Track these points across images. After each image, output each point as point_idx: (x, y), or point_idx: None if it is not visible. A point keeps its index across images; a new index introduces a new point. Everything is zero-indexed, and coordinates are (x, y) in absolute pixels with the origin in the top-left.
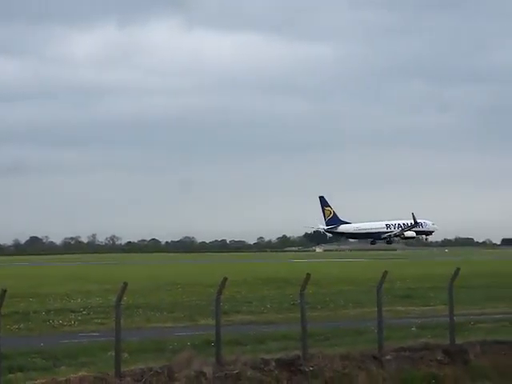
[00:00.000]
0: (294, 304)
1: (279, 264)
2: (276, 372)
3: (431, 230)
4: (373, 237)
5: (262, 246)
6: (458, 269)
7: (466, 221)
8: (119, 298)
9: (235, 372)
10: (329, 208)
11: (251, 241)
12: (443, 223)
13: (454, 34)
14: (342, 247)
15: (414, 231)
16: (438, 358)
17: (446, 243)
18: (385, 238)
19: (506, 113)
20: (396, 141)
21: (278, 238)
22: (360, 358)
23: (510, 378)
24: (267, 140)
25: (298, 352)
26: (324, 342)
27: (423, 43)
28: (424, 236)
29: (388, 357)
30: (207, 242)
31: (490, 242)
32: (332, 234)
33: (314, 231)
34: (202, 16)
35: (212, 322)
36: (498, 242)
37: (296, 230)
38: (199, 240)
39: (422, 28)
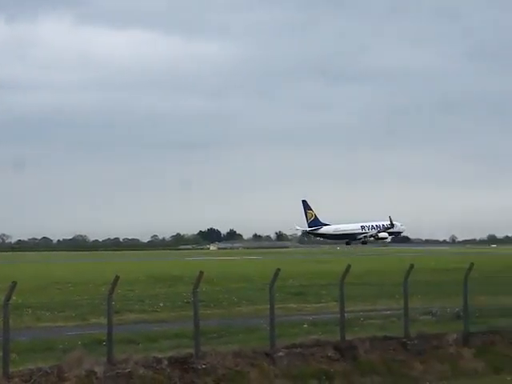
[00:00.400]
0: (187, 302)
1: (173, 262)
2: (168, 370)
3: (401, 230)
4: (349, 238)
5: (155, 244)
6: (349, 266)
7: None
8: (7, 298)
9: (127, 371)
10: (311, 211)
11: (145, 239)
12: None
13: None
14: (236, 245)
15: (387, 232)
16: (329, 354)
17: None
18: (360, 239)
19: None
20: (284, 140)
21: (172, 236)
22: (252, 355)
23: (398, 373)
24: (162, 138)
25: (191, 350)
26: (217, 339)
27: (315, 43)
28: (391, 236)
29: (280, 353)
30: (100, 240)
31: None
32: (314, 235)
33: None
34: (93, 12)
35: (104, 320)
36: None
37: (190, 228)
38: (92, 238)
39: (314, 27)
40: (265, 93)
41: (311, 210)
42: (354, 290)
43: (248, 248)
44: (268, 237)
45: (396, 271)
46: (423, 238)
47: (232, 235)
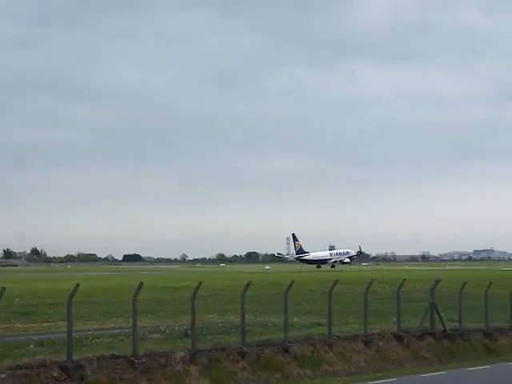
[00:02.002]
0: None
1: None
2: None
3: (355, 255)
4: (321, 262)
5: None
6: (78, 284)
7: (90, 237)
8: None
9: None
10: (298, 242)
11: None
12: (66, 239)
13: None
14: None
15: (348, 257)
16: (55, 374)
17: (69, 259)
18: (329, 264)
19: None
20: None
21: None
22: None
23: None
24: None
25: None
26: None
27: (47, 57)
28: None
29: (3, 375)
30: None
31: (113, 257)
32: (300, 260)
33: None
34: None
35: None
36: (120, 258)
37: None
38: None
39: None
40: None
41: (298, 241)
42: (84, 309)
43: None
44: None
45: (127, 290)
46: (155, 257)
47: None
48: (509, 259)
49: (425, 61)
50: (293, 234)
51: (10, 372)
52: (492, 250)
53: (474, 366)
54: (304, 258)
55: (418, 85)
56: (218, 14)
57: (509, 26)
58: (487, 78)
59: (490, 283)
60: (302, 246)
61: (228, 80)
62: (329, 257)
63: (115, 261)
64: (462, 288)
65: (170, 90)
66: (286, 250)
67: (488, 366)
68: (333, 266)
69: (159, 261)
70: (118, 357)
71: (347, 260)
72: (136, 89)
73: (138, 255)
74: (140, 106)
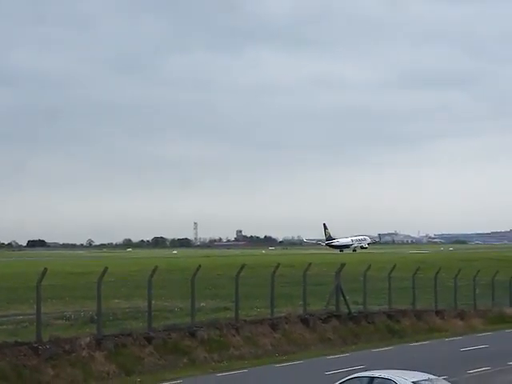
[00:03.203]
0: None
1: None
2: None
3: (374, 241)
4: (345, 247)
5: None
6: None
7: None
8: None
9: None
10: (328, 230)
11: None
12: None
13: None
14: None
15: (368, 243)
16: None
17: None
18: (351, 248)
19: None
20: None
21: None
22: None
23: (29, 379)
24: None
25: None
26: None
27: None
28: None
29: None
30: None
31: (16, 243)
32: (329, 246)
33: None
34: None
35: None
36: (24, 244)
37: None
38: None
39: None
40: None
41: (328, 229)
42: None
43: None
44: None
45: (31, 276)
46: (60, 242)
47: None
48: (412, 242)
49: (330, 48)
50: (324, 224)
51: None
52: (396, 234)
53: (377, 347)
54: (332, 243)
55: (325, 71)
56: None
57: (411, 15)
58: (390, 65)
59: (394, 266)
60: (331, 234)
61: (132, 65)
62: (350, 243)
63: (19, 246)
64: (367, 271)
65: (69, 75)
66: (194, 234)
67: (391, 347)
68: (354, 250)
69: (65, 246)
70: (22, 344)
71: (366, 245)
72: (33, 74)
73: (43, 241)
74: (38, 91)
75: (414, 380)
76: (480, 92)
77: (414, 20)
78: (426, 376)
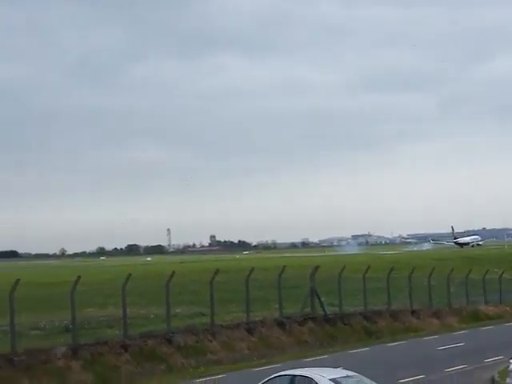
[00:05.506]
0: None
1: None
2: None
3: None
4: (465, 245)
5: None
6: None
7: None
8: None
9: None
10: (454, 231)
11: None
12: None
13: None
14: None
15: (480, 241)
16: None
17: None
18: (470, 245)
19: None
20: None
21: None
22: None
23: None
24: None
25: None
26: None
27: None
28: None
29: None
30: None
31: None
32: (456, 244)
33: None
34: None
35: None
36: None
37: None
38: None
39: None
40: None
41: (454, 230)
42: None
43: None
44: None
45: (3, 287)
46: (33, 253)
47: None
48: (385, 243)
49: (291, 52)
50: (451, 226)
51: None
52: (369, 235)
53: (354, 348)
54: (458, 242)
55: (286, 76)
56: (79, 6)
57: (368, 20)
58: (351, 68)
59: (368, 267)
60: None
61: (93, 73)
62: (469, 241)
63: None
64: (342, 272)
65: (29, 83)
66: (167, 241)
67: (368, 348)
68: (472, 246)
69: (37, 256)
70: None
71: (480, 243)
72: None
73: (15, 251)
74: None
75: (333, 377)
76: (435, 94)
77: (374, 23)
78: (344, 373)
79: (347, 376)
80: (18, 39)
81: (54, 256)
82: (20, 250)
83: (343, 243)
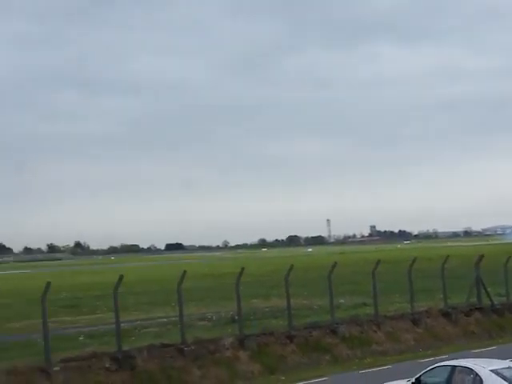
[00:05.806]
0: None
1: None
2: None
3: None
4: None
5: None
6: (122, 276)
7: (132, 227)
8: None
9: None
10: None
11: None
12: (109, 231)
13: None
14: (6, 259)
15: None
16: (106, 365)
17: (112, 250)
18: None
19: None
20: None
21: None
22: (27, 372)
23: (177, 380)
24: None
25: None
26: None
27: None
28: None
29: (56, 368)
30: None
31: (155, 247)
32: None
33: None
34: None
35: None
36: (162, 247)
37: None
38: None
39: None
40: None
41: None
42: (129, 300)
43: (19, 261)
44: (39, 249)
45: (171, 279)
46: (197, 245)
47: (0, 249)
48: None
49: (445, 38)
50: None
51: (62, 365)
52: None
53: None
54: None
55: (443, 61)
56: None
57: None
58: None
59: None
60: None
61: (248, 65)
62: None
63: (158, 250)
64: (508, 261)
65: (193, 79)
66: (327, 232)
67: None
68: None
69: (201, 248)
70: (168, 345)
71: None
72: (156, 79)
73: (180, 244)
74: (164, 97)
75: (494, 368)
76: None
77: None
78: (506, 364)
79: (509, 367)
80: (187, 39)
81: (217, 248)
82: (185, 243)
83: (508, 231)
